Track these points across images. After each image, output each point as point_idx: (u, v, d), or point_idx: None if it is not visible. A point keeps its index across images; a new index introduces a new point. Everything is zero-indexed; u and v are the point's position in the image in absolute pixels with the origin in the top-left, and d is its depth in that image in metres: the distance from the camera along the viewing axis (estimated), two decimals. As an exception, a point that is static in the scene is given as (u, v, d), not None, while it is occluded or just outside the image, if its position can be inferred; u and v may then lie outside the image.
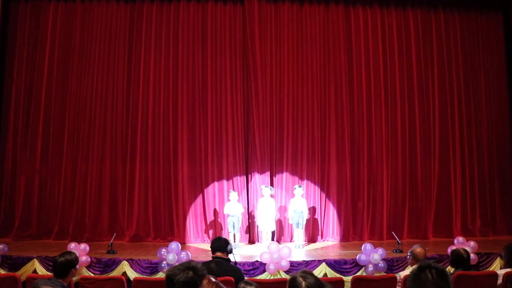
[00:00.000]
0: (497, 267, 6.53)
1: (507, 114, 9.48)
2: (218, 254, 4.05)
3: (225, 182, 8.75)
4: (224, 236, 7.16)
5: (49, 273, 5.98)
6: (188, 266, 2.37)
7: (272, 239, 8.09)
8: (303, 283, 2.30)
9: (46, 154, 8.70)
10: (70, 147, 8.69)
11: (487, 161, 9.26)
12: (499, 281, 4.39)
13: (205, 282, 2.32)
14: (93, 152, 8.69)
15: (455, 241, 7.03)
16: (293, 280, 2.35)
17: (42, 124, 8.72)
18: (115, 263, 6.53)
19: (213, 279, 2.37)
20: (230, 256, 4.17)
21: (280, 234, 8.62)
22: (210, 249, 4.24)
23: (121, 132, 8.80)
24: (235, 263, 4.36)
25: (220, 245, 4.08)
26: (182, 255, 6.40)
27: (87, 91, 8.80)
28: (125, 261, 6.53)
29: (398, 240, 7.46)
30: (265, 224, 7.93)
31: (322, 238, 8.72)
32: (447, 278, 2.07)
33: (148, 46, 8.92)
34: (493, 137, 9.34)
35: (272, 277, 6.24)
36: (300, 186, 8.21)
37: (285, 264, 6.40)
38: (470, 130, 9.30)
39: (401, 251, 7.12)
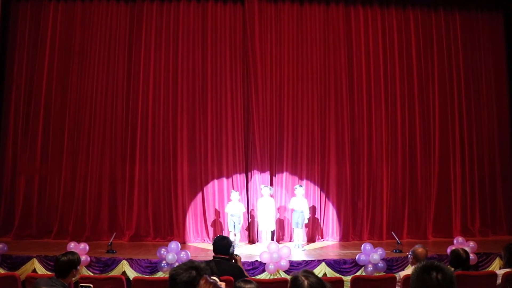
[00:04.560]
0: (496, 267, 6.54)
1: (507, 114, 9.46)
2: (220, 254, 4.05)
3: (225, 181, 8.75)
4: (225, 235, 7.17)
5: (48, 273, 6.00)
6: (191, 265, 2.38)
7: (272, 239, 8.10)
8: (305, 282, 2.30)
9: (46, 153, 8.70)
10: (70, 146, 8.68)
11: (487, 161, 9.26)
12: (498, 281, 4.40)
13: (202, 282, 2.32)
14: (93, 151, 8.69)
15: (455, 241, 7.04)
16: (295, 279, 2.35)
17: (42, 123, 8.71)
18: (114, 263, 6.53)
19: (210, 279, 2.37)
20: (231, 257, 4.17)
21: (279, 233, 8.63)
22: (209, 248, 4.25)
23: (121, 131, 8.80)
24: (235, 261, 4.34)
25: (224, 245, 4.08)
26: (181, 255, 6.40)
27: (87, 90, 8.79)
28: (125, 260, 6.53)
29: (397, 240, 7.47)
30: (265, 224, 7.93)
31: (321, 238, 8.72)
32: (453, 285, 1.93)
33: (148, 45, 8.92)
34: (493, 137, 9.33)
35: (271, 277, 6.25)
36: (301, 186, 8.21)
37: (284, 264, 6.41)
38: (470, 130, 9.29)
39: (400, 251, 7.12)
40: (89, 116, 8.76)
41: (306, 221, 8.06)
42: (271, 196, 8.19)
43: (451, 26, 9.46)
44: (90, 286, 3.41)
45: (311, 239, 8.63)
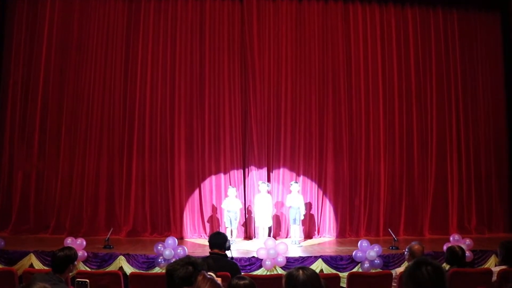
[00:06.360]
0: (492, 265, 6.57)
1: (503, 112, 9.49)
2: (216, 250, 4.06)
3: (222, 177, 8.76)
4: (221, 231, 7.18)
5: (45, 268, 5.99)
6: (188, 261, 2.39)
7: (269, 235, 8.11)
8: (300, 272, 2.32)
9: (43, 149, 8.67)
10: (67, 142, 8.66)
11: (483, 159, 9.29)
12: (494, 278, 4.42)
13: (199, 278, 2.34)
14: (90, 147, 8.67)
15: (451, 239, 7.07)
16: (290, 273, 2.37)
17: (39, 118, 8.68)
18: (111, 258, 6.54)
19: (207, 275, 2.38)
20: (228, 252, 4.18)
21: (276, 230, 8.64)
22: (207, 244, 4.25)
23: (118, 127, 8.78)
24: (232, 258, 4.37)
25: (219, 241, 4.09)
26: (178, 250, 6.42)
27: (84, 86, 8.76)
28: (122, 256, 6.53)
29: (394, 237, 7.49)
30: (262, 220, 7.95)
31: (318, 234, 8.75)
32: (443, 276, 2.03)
33: (146, 41, 8.88)
34: (490, 135, 9.36)
35: (268, 273, 6.27)
36: (296, 182, 8.24)
37: (281, 260, 6.43)
38: (467, 128, 9.32)
39: (397, 248, 7.15)
40: (87, 112, 8.73)
41: (302, 217, 8.08)
42: (269, 192, 8.20)
43: (449, 25, 9.47)
44: (86, 281, 3.41)
45: (308, 235, 8.65)
